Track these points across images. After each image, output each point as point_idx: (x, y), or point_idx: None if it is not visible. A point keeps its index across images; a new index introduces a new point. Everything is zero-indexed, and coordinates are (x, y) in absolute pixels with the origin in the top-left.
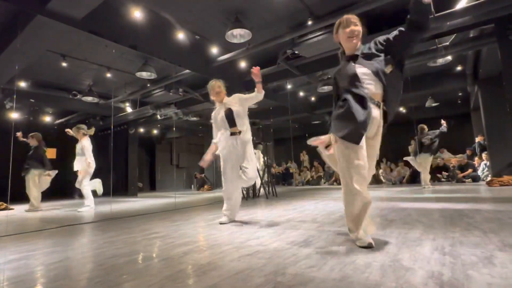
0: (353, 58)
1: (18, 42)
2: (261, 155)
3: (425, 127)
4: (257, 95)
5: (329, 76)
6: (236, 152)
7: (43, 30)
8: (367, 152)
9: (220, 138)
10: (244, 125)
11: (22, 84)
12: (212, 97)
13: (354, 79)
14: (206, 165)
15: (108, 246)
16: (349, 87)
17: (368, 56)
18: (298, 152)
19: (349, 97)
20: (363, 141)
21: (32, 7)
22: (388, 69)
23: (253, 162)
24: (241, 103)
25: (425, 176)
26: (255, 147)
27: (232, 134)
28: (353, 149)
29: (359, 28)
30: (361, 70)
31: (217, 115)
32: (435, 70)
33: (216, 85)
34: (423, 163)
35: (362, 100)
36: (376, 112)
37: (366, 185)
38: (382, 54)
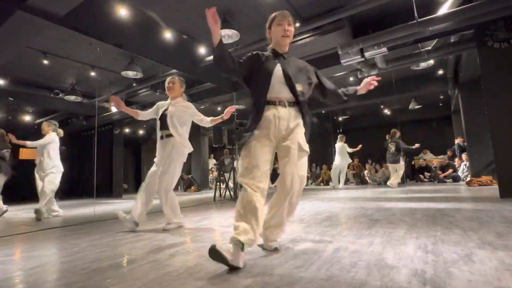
0: (278, 56)
1: None
2: None
3: (397, 132)
4: (207, 122)
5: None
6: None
7: (23, 26)
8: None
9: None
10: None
11: (0, 82)
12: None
13: (266, 79)
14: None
15: (91, 250)
16: (258, 87)
17: (295, 64)
18: None
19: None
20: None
21: (11, 2)
22: (300, 87)
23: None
24: (189, 114)
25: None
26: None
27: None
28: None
29: (292, 28)
30: (278, 72)
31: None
32: (418, 73)
33: (169, 80)
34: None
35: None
36: (283, 112)
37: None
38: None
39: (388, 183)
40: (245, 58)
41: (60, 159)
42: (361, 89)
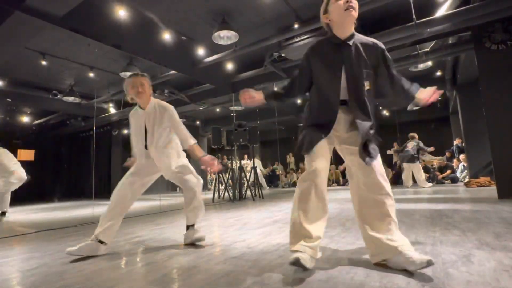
0: (343, 45)
1: None
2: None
3: (415, 135)
4: (187, 141)
5: None
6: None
7: (21, 27)
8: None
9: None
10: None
11: None
12: (130, 97)
13: (334, 80)
14: None
15: None
16: (323, 85)
17: (361, 47)
18: (284, 154)
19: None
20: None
21: (10, 3)
22: (368, 85)
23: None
24: (169, 119)
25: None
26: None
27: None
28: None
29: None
30: (339, 62)
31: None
32: (416, 74)
33: (137, 82)
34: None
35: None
36: (342, 115)
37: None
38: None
39: (419, 185)
40: (300, 69)
41: None
42: (421, 99)
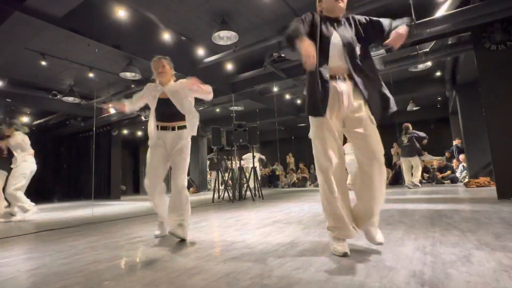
0: (333, 21)
1: None
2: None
3: (409, 125)
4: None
5: None
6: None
7: (21, 27)
8: (356, 143)
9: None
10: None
11: None
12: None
13: (324, 51)
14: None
15: (89, 252)
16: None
17: (348, 25)
18: (284, 154)
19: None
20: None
21: (9, 3)
22: (358, 51)
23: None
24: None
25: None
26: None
27: (163, 128)
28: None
29: None
30: (336, 39)
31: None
32: (416, 75)
33: (160, 64)
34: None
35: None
36: (343, 86)
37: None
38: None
39: (406, 183)
40: (302, 21)
41: None
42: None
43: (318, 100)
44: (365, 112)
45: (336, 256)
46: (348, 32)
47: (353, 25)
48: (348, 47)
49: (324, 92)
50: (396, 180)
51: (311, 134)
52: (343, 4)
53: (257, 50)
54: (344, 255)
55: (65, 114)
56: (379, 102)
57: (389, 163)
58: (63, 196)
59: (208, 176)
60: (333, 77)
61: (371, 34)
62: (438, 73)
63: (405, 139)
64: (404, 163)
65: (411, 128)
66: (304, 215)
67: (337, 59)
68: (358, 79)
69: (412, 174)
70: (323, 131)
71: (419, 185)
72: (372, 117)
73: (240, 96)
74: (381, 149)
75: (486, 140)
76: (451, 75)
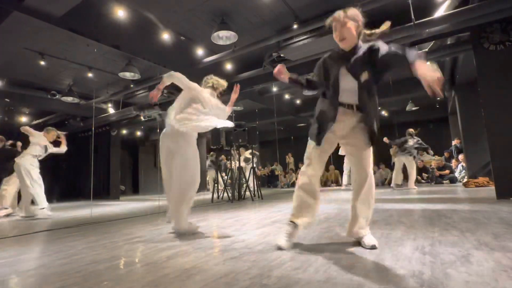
0: (344, 57)
1: None
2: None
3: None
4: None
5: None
6: None
7: (20, 27)
8: (349, 157)
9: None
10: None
11: None
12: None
13: (336, 84)
14: None
15: (87, 252)
16: (327, 89)
17: (360, 60)
18: (283, 154)
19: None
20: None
21: (8, 3)
22: (364, 77)
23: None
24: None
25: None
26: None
27: None
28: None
29: (348, 25)
30: (345, 78)
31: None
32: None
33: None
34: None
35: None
36: (347, 114)
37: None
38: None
39: (392, 183)
40: (315, 71)
41: None
42: (418, 74)
43: (320, 131)
44: (362, 138)
45: (335, 256)
46: (357, 67)
47: (367, 55)
48: (356, 83)
49: (326, 125)
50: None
51: (310, 140)
52: (347, 40)
53: (256, 50)
54: None
55: (64, 114)
56: (368, 136)
57: (387, 163)
58: (62, 196)
59: (208, 176)
60: (341, 106)
61: (385, 64)
62: None
63: (411, 142)
64: (398, 162)
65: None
66: None
67: (345, 94)
68: (361, 112)
69: (403, 176)
70: (317, 151)
71: (416, 187)
72: (368, 141)
73: (239, 96)
74: (370, 163)
75: (485, 140)
76: (450, 76)
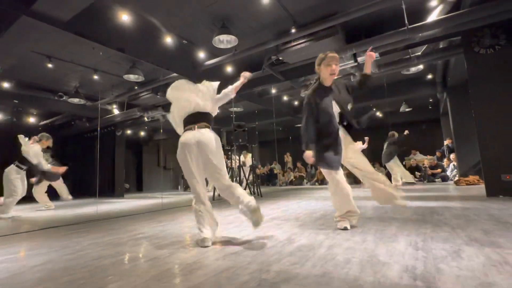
0: (327, 90)
1: (2, 43)
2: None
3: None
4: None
5: (311, 82)
6: None
7: (28, 31)
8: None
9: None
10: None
11: (6, 85)
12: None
13: (330, 107)
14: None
15: (93, 248)
16: (329, 114)
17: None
18: (282, 153)
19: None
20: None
21: (17, 8)
22: (350, 106)
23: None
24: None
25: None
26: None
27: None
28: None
29: (338, 67)
30: (331, 99)
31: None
32: (408, 77)
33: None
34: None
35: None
36: (341, 130)
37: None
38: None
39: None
40: (306, 106)
41: None
42: (367, 67)
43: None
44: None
45: (331, 252)
46: (342, 95)
47: (342, 88)
48: (341, 106)
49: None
50: (388, 179)
51: None
52: (335, 76)
53: (256, 53)
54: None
55: (71, 115)
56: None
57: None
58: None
59: None
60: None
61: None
62: (430, 76)
63: (384, 146)
64: (394, 160)
65: (396, 135)
66: (301, 212)
67: (334, 116)
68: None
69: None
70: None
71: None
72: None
73: (239, 97)
74: (363, 160)
75: (476, 140)
76: (442, 78)
